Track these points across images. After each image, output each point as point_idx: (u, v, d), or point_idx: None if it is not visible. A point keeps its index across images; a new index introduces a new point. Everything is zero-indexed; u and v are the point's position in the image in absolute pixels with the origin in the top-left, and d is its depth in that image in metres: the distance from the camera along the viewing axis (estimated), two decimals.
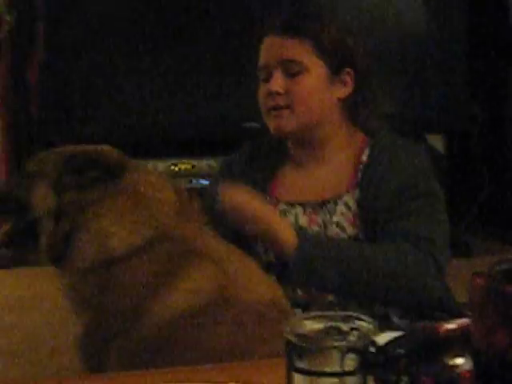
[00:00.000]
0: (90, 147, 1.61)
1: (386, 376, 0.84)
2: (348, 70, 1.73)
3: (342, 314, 0.88)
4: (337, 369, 0.82)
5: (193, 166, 3.82)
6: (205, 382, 1.15)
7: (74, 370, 1.60)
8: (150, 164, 3.55)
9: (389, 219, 1.66)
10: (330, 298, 1.66)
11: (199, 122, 3.85)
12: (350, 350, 0.82)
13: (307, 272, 1.60)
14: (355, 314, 0.87)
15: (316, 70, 1.71)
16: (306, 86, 1.70)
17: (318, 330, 0.86)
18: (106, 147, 1.62)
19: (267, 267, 1.66)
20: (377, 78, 1.81)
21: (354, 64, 1.74)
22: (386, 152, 1.72)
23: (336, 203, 1.71)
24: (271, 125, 1.73)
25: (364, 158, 1.74)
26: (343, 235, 1.69)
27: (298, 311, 1.63)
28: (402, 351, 0.86)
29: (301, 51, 1.70)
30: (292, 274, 1.61)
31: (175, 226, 1.54)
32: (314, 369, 0.83)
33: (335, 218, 1.70)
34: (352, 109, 1.76)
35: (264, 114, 1.75)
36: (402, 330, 0.93)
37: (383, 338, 0.88)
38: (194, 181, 3.73)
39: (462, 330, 0.88)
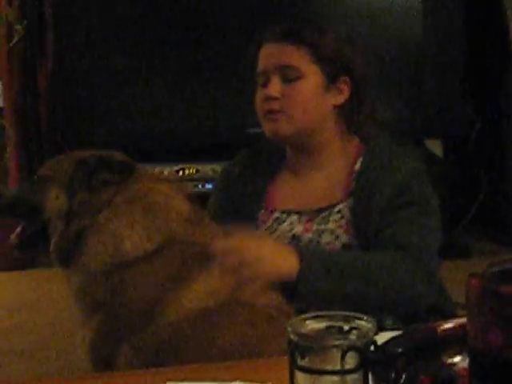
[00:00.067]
0: (101, 152, 1.63)
1: (385, 374, 0.86)
2: (344, 78, 1.73)
3: (343, 313, 0.89)
4: (337, 367, 0.83)
5: (197, 171, 3.83)
6: (210, 379, 1.16)
7: (84, 370, 1.61)
8: (157, 169, 3.57)
9: (381, 227, 1.65)
10: None
11: (204, 127, 3.86)
12: (351, 348, 0.83)
13: (313, 292, 1.55)
14: (355, 314, 0.88)
15: (312, 77, 1.71)
16: (301, 92, 1.71)
17: (319, 330, 0.87)
18: (115, 152, 1.64)
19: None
20: (374, 84, 1.80)
21: (351, 72, 1.74)
22: (378, 159, 1.71)
23: (331, 211, 1.71)
24: (267, 128, 1.73)
25: (358, 165, 1.73)
26: (337, 243, 1.68)
27: None
28: (400, 350, 0.88)
29: (298, 58, 1.71)
30: (299, 297, 1.56)
31: (186, 232, 1.55)
32: (315, 367, 0.84)
33: (329, 226, 1.69)
34: (348, 116, 1.76)
35: (260, 118, 1.75)
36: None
37: (383, 338, 0.89)
38: (199, 185, 3.75)
39: (459, 329, 0.90)
